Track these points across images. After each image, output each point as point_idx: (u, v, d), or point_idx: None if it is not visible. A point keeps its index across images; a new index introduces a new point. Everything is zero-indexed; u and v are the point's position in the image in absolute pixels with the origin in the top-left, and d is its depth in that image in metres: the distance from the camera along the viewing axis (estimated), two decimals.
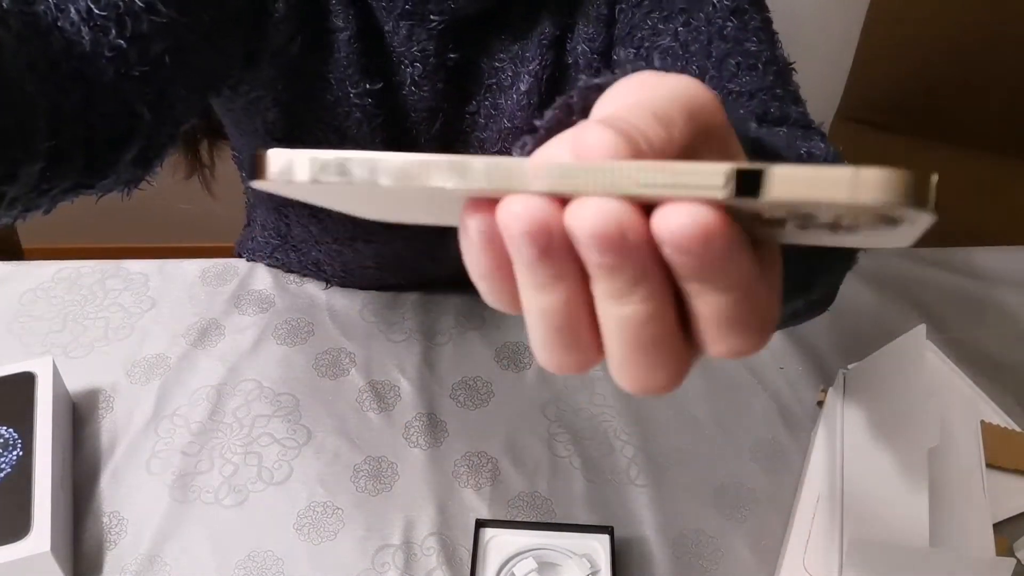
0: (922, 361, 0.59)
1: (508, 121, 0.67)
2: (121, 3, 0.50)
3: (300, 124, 0.67)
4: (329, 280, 0.82)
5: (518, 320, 0.80)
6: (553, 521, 0.65)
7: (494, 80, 0.66)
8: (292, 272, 0.84)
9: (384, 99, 0.66)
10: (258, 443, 0.69)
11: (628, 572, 0.62)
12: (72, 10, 0.48)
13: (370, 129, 0.66)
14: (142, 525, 0.64)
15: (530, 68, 0.65)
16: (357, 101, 0.65)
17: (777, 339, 0.79)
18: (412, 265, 0.77)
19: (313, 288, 0.83)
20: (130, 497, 0.65)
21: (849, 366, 0.71)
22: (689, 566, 0.63)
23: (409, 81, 0.65)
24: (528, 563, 0.60)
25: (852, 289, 0.84)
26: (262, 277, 0.84)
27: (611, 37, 0.65)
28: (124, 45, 0.49)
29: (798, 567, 0.61)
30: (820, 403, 0.73)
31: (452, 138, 0.68)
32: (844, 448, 0.62)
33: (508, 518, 0.65)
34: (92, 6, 0.48)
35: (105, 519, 0.64)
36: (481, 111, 0.68)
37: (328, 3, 0.62)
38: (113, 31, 0.49)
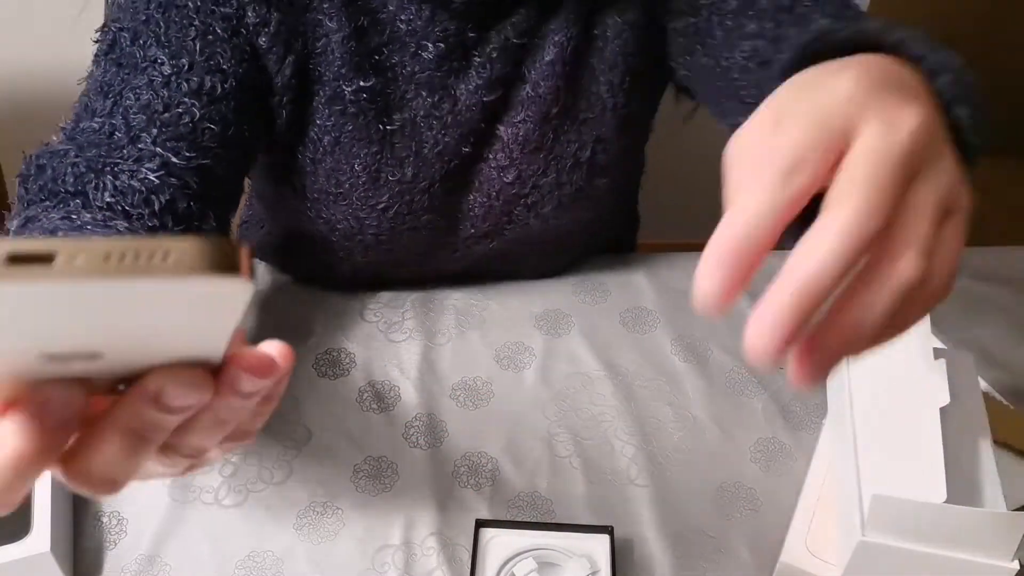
0: (925, 325, 0.59)
1: (532, 89, 0.68)
2: (143, 184, 0.57)
3: (299, 123, 0.67)
4: (333, 282, 0.82)
5: (518, 320, 0.80)
6: (553, 521, 0.65)
7: (512, 53, 0.67)
8: (297, 276, 0.84)
9: (380, 92, 0.66)
10: (258, 443, 0.69)
11: (628, 572, 0.62)
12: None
13: (365, 122, 0.66)
14: (142, 525, 0.64)
15: (556, 39, 0.67)
16: (352, 98, 0.65)
17: None
18: (420, 261, 0.77)
19: (313, 288, 0.82)
20: (130, 497, 0.65)
21: None
22: (689, 566, 0.63)
23: (432, 64, 0.66)
24: (528, 563, 0.60)
25: None
26: (262, 277, 0.83)
27: (645, 9, 0.68)
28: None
29: (800, 549, 0.61)
30: None
31: (470, 120, 0.69)
32: (856, 421, 0.62)
33: (508, 518, 0.65)
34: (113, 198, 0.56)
35: (105, 519, 0.64)
36: (499, 84, 0.68)
37: (319, 9, 0.63)
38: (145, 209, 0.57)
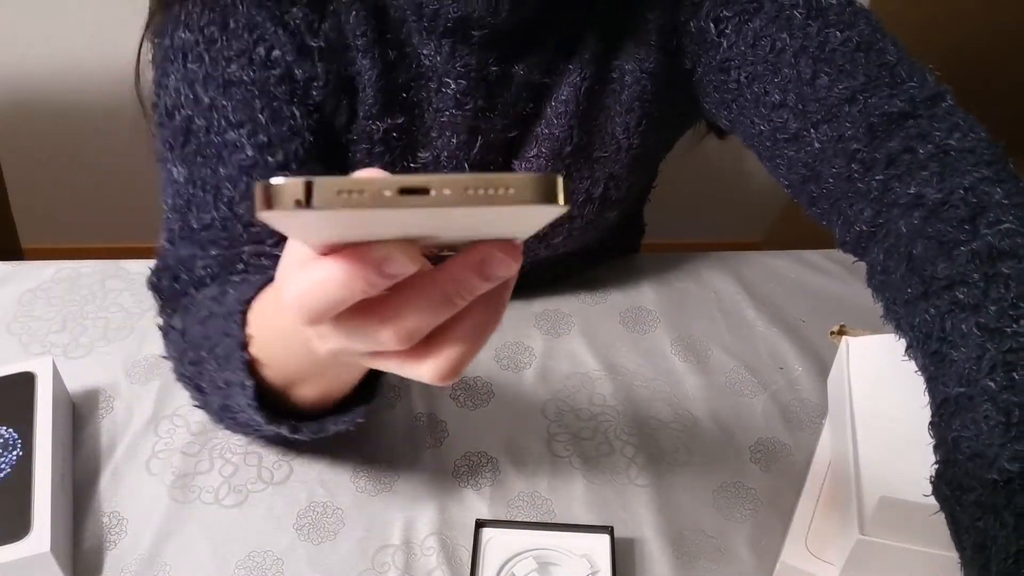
0: None
1: (546, 127, 0.68)
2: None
3: (334, 152, 0.67)
4: None
5: (517, 320, 0.80)
6: (553, 521, 0.65)
7: (535, 92, 0.67)
8: None
9: (407, 130, 0.66)
10: (258, 443, 0.69)
11: (628, 572, 0.62)
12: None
13: (391, 159, 0.66)
14: (142, 525, 0.64)
15: (572, 80, 0.66)
16: (381, 136, 0.65)
17: (777, 339, 0.79)
18: None
19: None
20: (130, 497, 0.65)
21: (852, 337, 0.71)
22: (689, 566, 0.63)
23: (453, 103, 0.65)
24: (528, 563, 0.60)
25: (854, 289, 0.84)
26: None
27: (667, 60, 0.67)
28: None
29: (800, 549, 0.61)
30: (832, 333, 0.77)
31: (491, 156, 0.69)
32: (855, 421, 0.62)
33: (508, 518, 0.65)
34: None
35: (105, 519, 0.64)
36: (520, 122, 0.68)
37: (353, 47, 0.63)
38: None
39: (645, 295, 0.83)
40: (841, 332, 0.77)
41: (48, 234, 1.53)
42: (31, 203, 1.36)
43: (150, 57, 0.64)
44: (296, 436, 0.56)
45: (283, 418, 0.55)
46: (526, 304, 0.82)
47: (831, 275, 0.86)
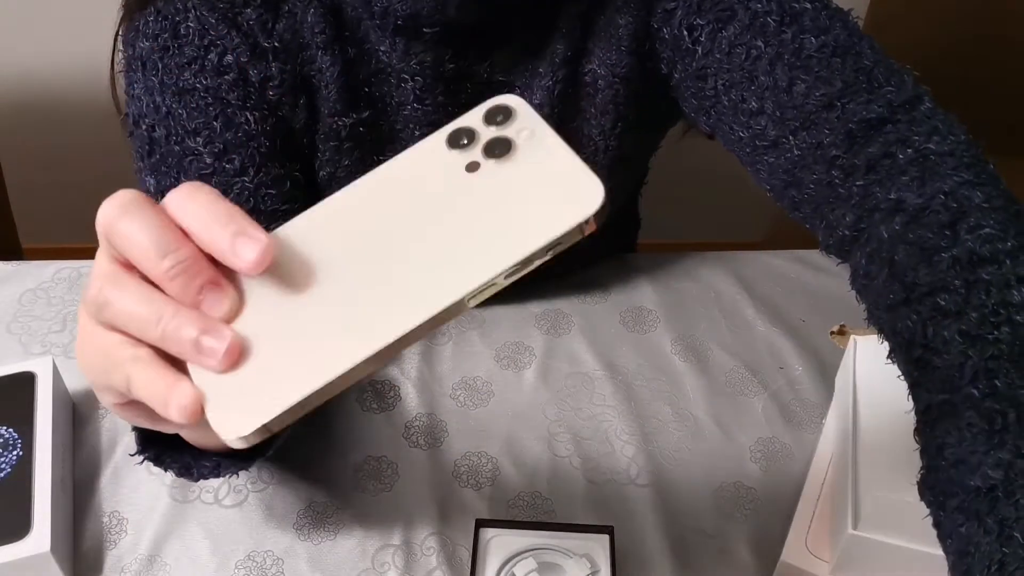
0: None
1: None
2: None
3: (296, 152, 0.67)
4: None
5: (518, 320, 0.80)
6: (553, 521, 0.65)
7: (499, 90, 0.67)
8: None
9: (373, 124, 0.66)
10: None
11: (628, 572, 0.62)
12: None
13: (360, 155, 0.66)
14: (142, 525, 0.64)
15: (543, 83, 0.66)
16: (347, 133, 0.65)
17: (777, 339, 0.79)
18: None
19: None
20: (130, 497, 0.65)
21: (858, 335, 0.71)
22: (689, 566, 0.63)
23: (412, 98, 0.65)
24: (528, 563, 0.60)
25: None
26: None
27: (640, 65, 0.67)
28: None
29: (800, 549, 0.61)
30: (832, 333, 0.77)
31: None
32: (858, 418, 0.63)
33: (508, 518, 0.65)
34: None
35: (105, 519, 0.64)
36: None
37: (312, 45, 0.63)
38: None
39: (645, 295, 0.83)
40: (841, 332, 0.77)
41: (48, 234, 1.52)
42: (31, 203, 1.36)
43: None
44: (186, 478, 0.55)
45: (179, 456, 0.53)
46: (526, 304, 0.82)
47: (831, 275, 0.86)
